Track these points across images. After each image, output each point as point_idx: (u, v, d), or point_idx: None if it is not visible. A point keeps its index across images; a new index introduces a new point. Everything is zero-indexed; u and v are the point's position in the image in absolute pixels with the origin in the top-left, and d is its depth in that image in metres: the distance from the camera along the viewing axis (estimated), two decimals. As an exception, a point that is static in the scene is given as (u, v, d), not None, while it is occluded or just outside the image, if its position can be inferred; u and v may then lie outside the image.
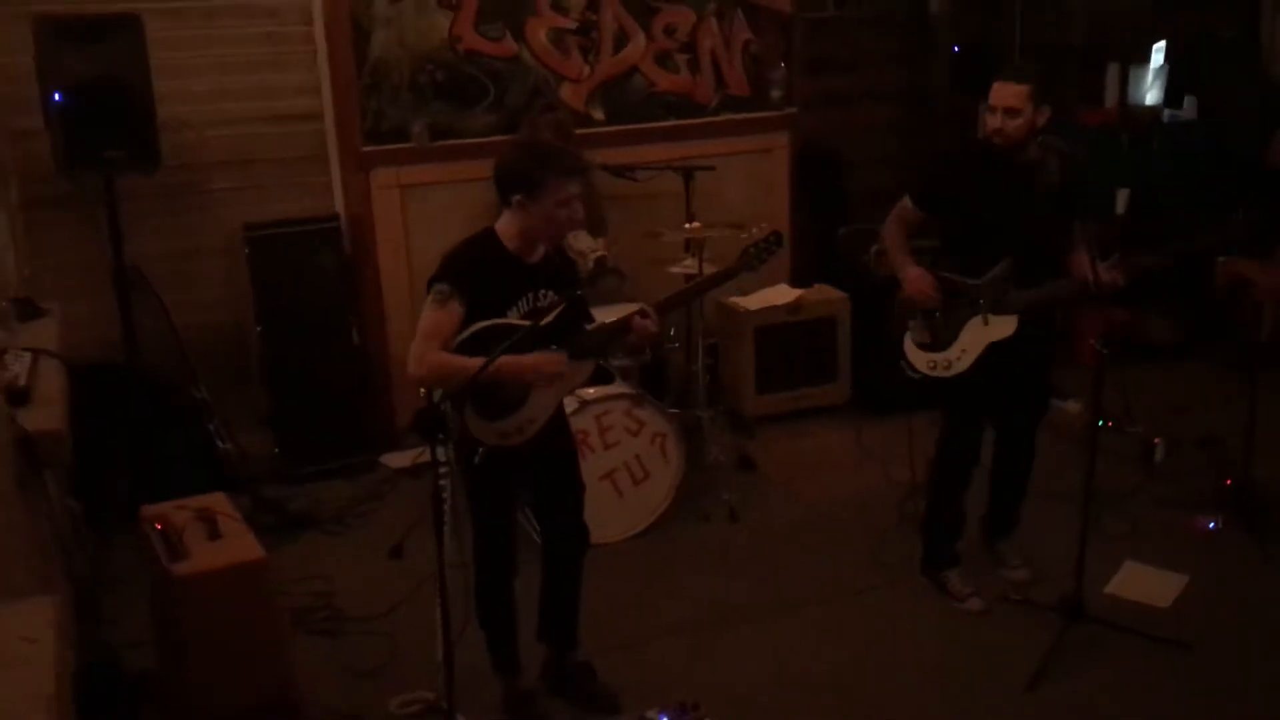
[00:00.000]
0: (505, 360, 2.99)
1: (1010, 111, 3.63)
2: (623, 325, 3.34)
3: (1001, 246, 3.77)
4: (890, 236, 3.99)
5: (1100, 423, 5.24)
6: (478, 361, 2.95)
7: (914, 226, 3.99)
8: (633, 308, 4.99)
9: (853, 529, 4.65)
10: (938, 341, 3.91)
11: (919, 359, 3.95)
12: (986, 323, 3.82)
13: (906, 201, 3.97)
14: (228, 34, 5.02)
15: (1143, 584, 4.14)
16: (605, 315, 4.89)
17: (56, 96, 4.26)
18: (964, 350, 3.85)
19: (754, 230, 3.27)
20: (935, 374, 3.91)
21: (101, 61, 4.30)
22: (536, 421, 3.25)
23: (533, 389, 3.21)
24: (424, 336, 3.10)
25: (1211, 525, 4.46)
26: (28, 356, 3.23)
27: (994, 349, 3.82)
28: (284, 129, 5.18)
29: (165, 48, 4.78)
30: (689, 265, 4.89)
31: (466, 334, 3.12)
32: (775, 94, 6.01)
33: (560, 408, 3.40)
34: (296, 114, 5.20)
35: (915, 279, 3.86)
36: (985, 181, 3.75)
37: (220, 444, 4.97)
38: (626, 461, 4.56)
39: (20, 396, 2.98)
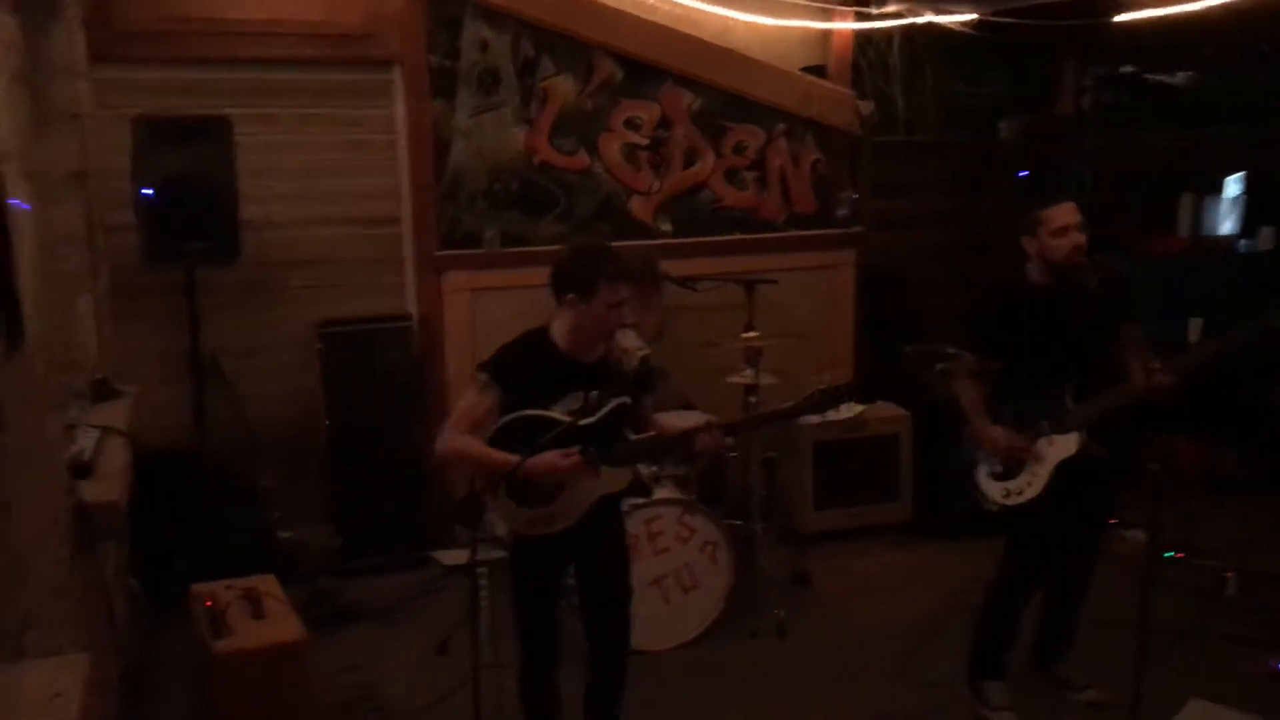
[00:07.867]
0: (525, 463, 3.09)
1: (1081, 226, 3.76)
2: (679, 438, 3.39)
3: (1061, 372, 3.82)
4: (966, 399, 4.00)
5: (1169, 554, 5.12)
6: (494, 453, 3.11)
7: (986, 377, 3.97)
8: (692, 417, 5.12)
9: (904, 654, 4.53)
10: (1008, 470, 3.94)
11: (994, 489, 3.97)
12: (1051, 444, 3.84)
13: (968, 356, 4.01)
14: (316, 140, 5.27)
15: (1208, 723, 3.95)
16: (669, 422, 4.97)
17: (146, 192, 4.49)
18: (1034, 474, 3.87)
19: (826, 376, 3.36)
20: (1009, 502, 3.91)
21: (190, 160, 4.53)
22: (565, 518, 3.28)
23: (564, 487, 3.25)
24: (456, 418, 3.25)
25: (1283, 666, 4.26)
26: (96, 433, 3.36)
27: (1062, 468, 3.83)
28: (363, 231, 5.40)
29: (257, 151, 5.03)
30: (747, 375, 4.93)
31: (500, 422, 3.21)
32: (842, 212, 6.10)
33: (614, 510, 3.44)
34: (375, 217, 5.41)
35: (995, 439, 3.89)
36: (1035, 316, 3.84)
37: (281, 534, 5.07)
38: (676, 569, 4.53)
39: (84, 470, 3.10)
